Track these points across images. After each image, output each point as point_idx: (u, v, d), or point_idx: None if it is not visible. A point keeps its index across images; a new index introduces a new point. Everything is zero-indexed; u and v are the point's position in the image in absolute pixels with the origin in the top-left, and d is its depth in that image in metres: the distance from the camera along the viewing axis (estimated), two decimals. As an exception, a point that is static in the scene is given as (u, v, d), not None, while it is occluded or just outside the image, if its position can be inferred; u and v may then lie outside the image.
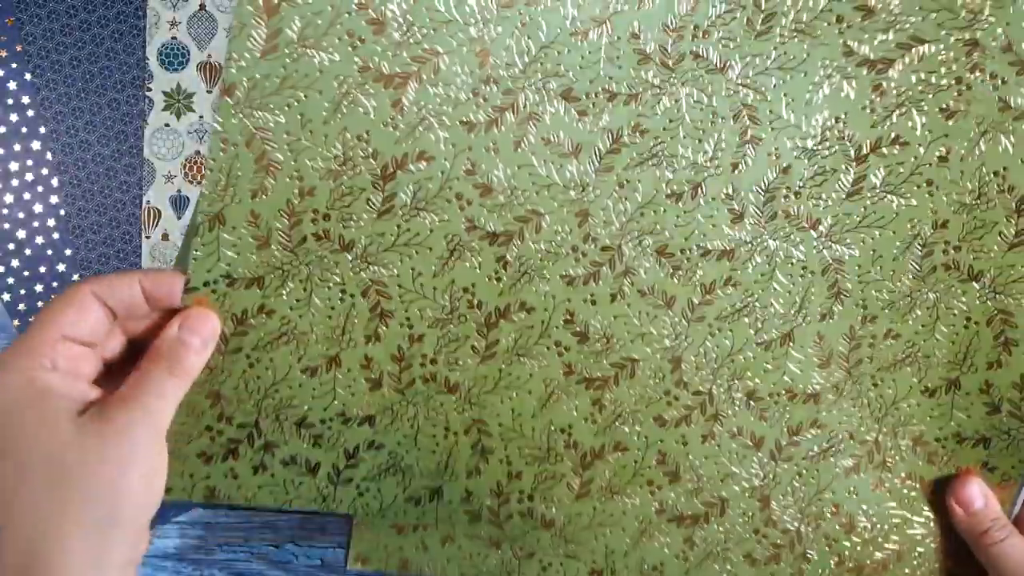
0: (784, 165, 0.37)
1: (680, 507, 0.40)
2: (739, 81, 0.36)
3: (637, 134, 0.37)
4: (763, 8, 0.35)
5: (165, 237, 0.47)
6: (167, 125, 0.47)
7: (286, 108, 0.34)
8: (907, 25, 0.35)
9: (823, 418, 0.40)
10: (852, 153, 0.37)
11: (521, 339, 0.38)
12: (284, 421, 0.38)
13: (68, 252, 0.47)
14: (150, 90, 0.47)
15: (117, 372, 0.33)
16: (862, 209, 0.38)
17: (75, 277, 0.47)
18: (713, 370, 0.39)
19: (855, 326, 0.39)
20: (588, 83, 0.36)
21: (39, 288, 0.47)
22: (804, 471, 0.40)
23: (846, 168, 0.37)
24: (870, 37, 0.36)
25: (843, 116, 0.36)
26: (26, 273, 0.47)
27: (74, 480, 0.29)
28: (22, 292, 0.47)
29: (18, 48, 0.47)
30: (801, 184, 0.37)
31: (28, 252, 0.47)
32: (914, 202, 0.38)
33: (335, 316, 0.37)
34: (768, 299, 0.39)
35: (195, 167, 0.47)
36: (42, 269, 0.47)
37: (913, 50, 0.36)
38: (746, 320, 0.39)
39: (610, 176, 0.37)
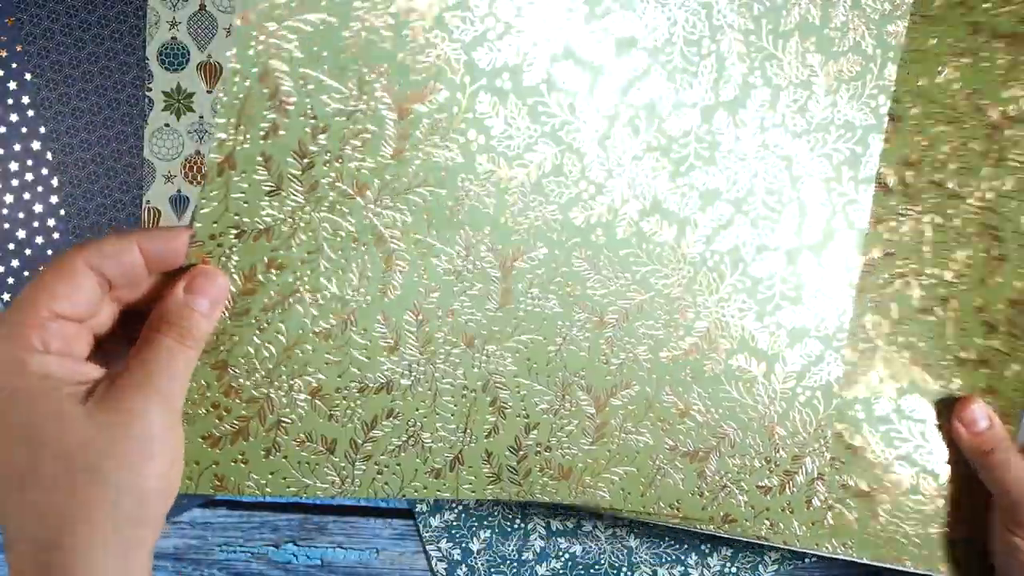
0: None
1: (691, 442, 0.40)
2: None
3: None
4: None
5: (165, 237, 0.47)
6: (167, 125, 0.47)
7: (300, 36, 0.32)
8: None
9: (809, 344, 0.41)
10: None
11: (536, 283, 0.38)
12: (297, 392, 0.35)
13: (68, 252, 0.47)
14: (150, 90, 0.47)
15: (108, 343, 0.31)
16: None
17: (75, 277, 0.47)
18: (714, 301, 0.40)
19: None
20: None
21: (39, 288, 0.47)
22: (806, 397, 0.41)
23: None
24: None
25: None
26: (26, 273, 0.47)
27: (95, 476, 0.26)
28: (22, 292, 0.47)
29: (18, 48, 0.47)
30: None
31: (28, 252, 0.47)
32: None
33: (348, 267, 0.35)
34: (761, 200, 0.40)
35: (195, 167, 0.47)
36: (42, 269, 0.47)
37: None
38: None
39: None
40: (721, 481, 0.41)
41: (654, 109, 0.38)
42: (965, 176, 0.40)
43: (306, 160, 0.33)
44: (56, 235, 0.47)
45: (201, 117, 0.46)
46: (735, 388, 0.40)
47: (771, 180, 0.40)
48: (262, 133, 0.32)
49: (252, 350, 0.34)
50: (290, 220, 0.34)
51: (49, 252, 0.47)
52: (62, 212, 0.47)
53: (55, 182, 0.47)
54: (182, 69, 0.47)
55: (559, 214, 0.38)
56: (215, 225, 0.32)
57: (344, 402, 0.36)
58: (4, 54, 0.47)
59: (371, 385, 0.36)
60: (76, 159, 0.47)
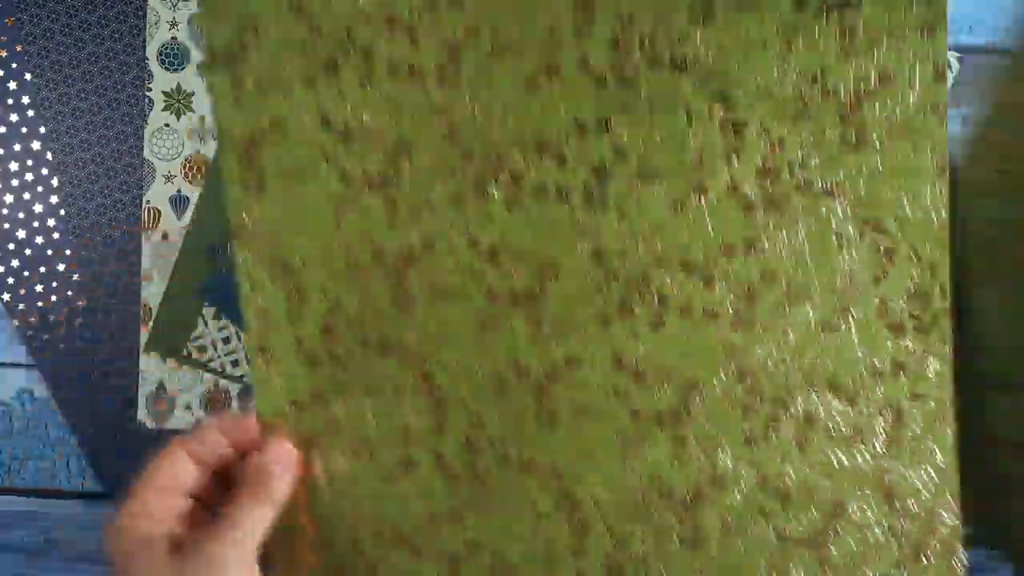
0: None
1: (802, 527, 0.37)
2: None
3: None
4: None
5: (165, 237, 0.47)
6: (167, 125, 0.47)
7: (292, 233, 0.37)
8: None
9: (922, 387, 0.37)
10: None
11: (579, 396, 0.37)
12: (380, 537, 0.38)
13: (68, 252, 0.47)
14: (150, 90, 0.47)
15: (210, 506, 0.37)
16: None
17: (75, 277, 0.47)
18: (784, 370, 0.37)
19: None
20: None
21: (39, 288, 0.47)
22: (920, 446, 0.37)
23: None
24: None
25: None
26: (26, 273, 0.47)
27: None
28: (22, 292, 0.47)
29: (18, 48, 0.47)
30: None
31: (28, 252, 0.47)
32: None
33: (395, 417, 0.37)
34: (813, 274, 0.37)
35: (195, 167, 0.46)
36: (42, 269, 0.47)
37: None
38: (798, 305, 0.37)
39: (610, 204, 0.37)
40: (847, 563, 0.37)
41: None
42: (829, 169, 0.37)
43: (330, 335, 0.37)
44: (56, 235, 0.47)
45: (202, 117, 0.46)
46: (834, 454, 0.37)
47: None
48: (287, 320, 0.37)
49: (331, 505, 0.38)
50: (332, 386, 0.37)
51: (49, 252, 0.47)
52: (62, 212, 0.47)
53: (55, 182, 0.47)
54: (182, 69, 0.47)
55: (591, 321, 0.37)
56: (272, 403, 0.37)
57: (422, 538, 0.38)
58: (4, 54, 0.47)
59: (440, 517, 0.38)
60: (76, 159, 0.47)
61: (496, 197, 0.37)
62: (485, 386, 0.37)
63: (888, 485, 0.38)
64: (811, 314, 0.37)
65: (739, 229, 0.37)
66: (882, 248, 0.37)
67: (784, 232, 0.37)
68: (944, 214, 0.37)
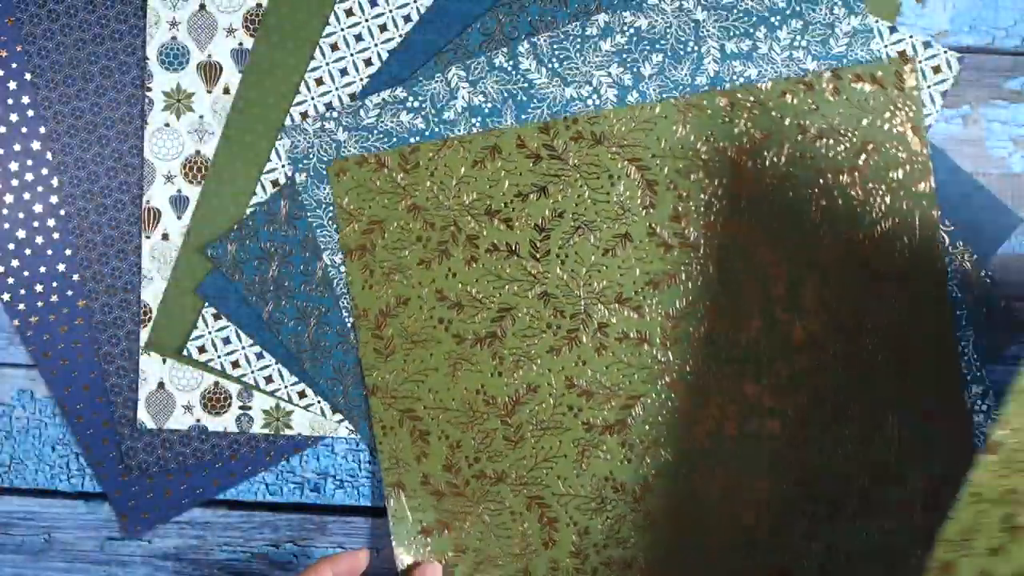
0: None
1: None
2: None
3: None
4: None
5: (165, 237, 0.47)
6: (167, 125, 0.47)
7: (416, 387, 0.44)
8: None
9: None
10: None
11: (670, 504, 0.44)
12: None
13: (68, 252, 0.47)
14: (150, 90, 0.47)
15: None
16: None
17: (75, 277, 0.47)
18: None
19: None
20: None
21: (39, 288, 0.47)
22: None
23: None
24: None
25: None
26: (26, 273, 0.47)
27: None
28: (22, 292, 0.47)
29: (18, 48, 0.47)
30: None
31: (28, 252, 0.47)
32: None
33: (513, 534, 0.44)
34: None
35: (195, 167, 0.47)
36: (42, 269, 0.47)
37: None
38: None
39: None
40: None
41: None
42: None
43: (454, 469, 0.44)
44: (56, 235, 0.47)
45: (201, 117, 0.46)
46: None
47: None
48: (415, 460, 0.45)
49: None
50: (460, 513, 0.44)
51: (49, 252, 0.47)
52: (62, 212, 0.47)
53: (55, 182, 0.47)
54: (182, 69, 0.47)
55: (677, 440, 0.44)
56: (407, 533, 0.45)
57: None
58: (4, 54, 0.47)
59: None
60: (76, 159, 0.47)
61: (587, 344, 0.44)
62: (588, 501, 0.44)
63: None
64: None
65: None
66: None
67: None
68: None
